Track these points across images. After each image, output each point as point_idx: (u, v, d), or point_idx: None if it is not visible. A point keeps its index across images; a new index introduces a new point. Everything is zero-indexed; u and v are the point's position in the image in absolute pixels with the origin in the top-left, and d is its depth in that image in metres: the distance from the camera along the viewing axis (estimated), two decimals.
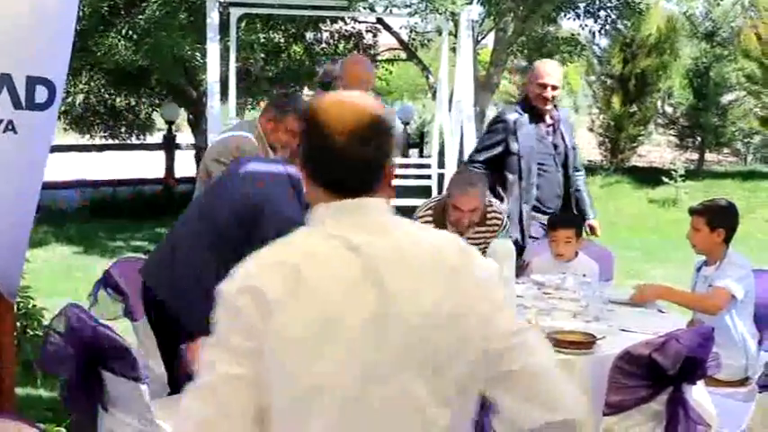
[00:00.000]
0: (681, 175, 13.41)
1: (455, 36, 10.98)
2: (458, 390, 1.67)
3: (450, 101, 10.59)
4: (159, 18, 10.70)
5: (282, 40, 12.72)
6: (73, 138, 14.93)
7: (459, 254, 1.73)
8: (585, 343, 3.11)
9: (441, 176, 10.10)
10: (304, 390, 1.60)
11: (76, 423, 3.43)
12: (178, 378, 3.01)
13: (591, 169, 16.70)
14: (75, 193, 13.33)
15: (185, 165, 13.96)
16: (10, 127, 3.19)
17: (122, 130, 14.10)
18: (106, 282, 4.05)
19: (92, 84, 13.46)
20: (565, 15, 12.06)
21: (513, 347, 1.70)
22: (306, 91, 16.83)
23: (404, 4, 10.08)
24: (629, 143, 16.80)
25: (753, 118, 16.77)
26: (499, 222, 4.61)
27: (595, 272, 4.40)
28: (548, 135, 5.21)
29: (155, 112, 14.46)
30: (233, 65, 10.45)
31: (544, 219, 5.04)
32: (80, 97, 13.43)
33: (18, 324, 4.53)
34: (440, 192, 9.30)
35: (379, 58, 15.24)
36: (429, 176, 10.86)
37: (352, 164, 1.70)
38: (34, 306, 4.75)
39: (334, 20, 13.08)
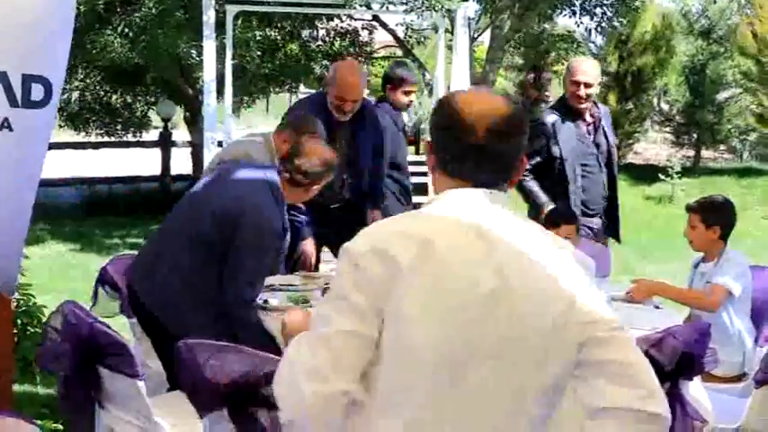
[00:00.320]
0: (677, 173, 13.42)
1: (451, 33, 10.99)
2: (554, 385, 1.75)
3: None
4: (155, 15, 10.69)
5: (278, 38, 12.70)
6: (69, 135, 14.89)
7: (560, 251, 1.83)
8: None
9: None
10: (413, 359, 1.68)
11: (74, 420, 3.43)
12: (177, 374, 3.01)
13: None
14: (71, 191, 13.31)
15: (181, 162, 13.95)
16: (6, 125, 3.20)
17: (118, 127, 14.06)
18: (103, 279, 4.07)
19: (87, 81, 13.44)
20: (561, 13, 12.07)
21: (615, 338, 1.79)
22: (302, 88, 16.81)
23: (400, 1, 10.07)
24: (626, 140, 16.80)
25: (749, 115, 16.78)
26: None
27: (591, 268, 4.40)
28: (588, 134, 5.06)
29: (151, 110, 14.44)
30: (229, 62, 10.44)
31: (590, 222, 4.94)
32: (76, 94, 13.40)
33: (18, 322, 4.53)
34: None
35: (375, 55, 15.24)
36: (425, 174, 10.86)
37: (492, 157, 1.81)
38: (34, 304, 4.75)
39: (330, 17, 13.07)
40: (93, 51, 11.07)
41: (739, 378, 3.85)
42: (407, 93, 5.49)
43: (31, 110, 3.24)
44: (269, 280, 4.15)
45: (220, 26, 10.27)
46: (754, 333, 3.99)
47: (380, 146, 5.07)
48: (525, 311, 1.72)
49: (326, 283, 4.04)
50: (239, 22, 11.38)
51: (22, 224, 3.45)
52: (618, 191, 5.19)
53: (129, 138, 14.37)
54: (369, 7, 12.73)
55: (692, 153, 17.15)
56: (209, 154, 9.63)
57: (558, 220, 4.49)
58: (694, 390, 3.05)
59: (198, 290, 3.47)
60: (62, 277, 8.00)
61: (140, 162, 14.34)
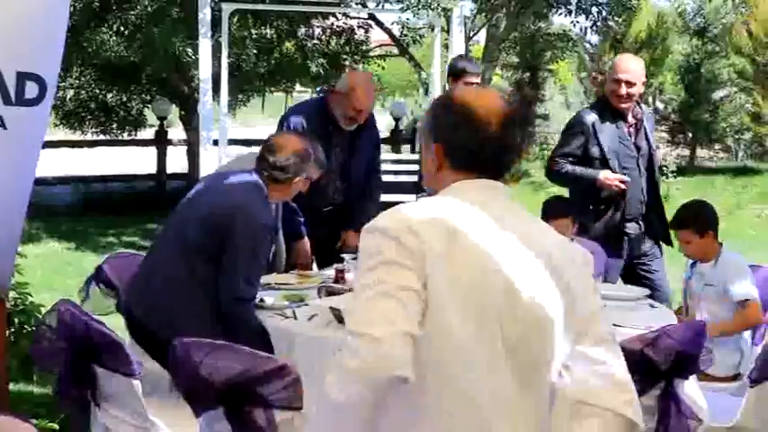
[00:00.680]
0: (672, 171, 13.44)
1: (447, 32, 10.98)
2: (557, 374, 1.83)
3: None
4: (151, 14, 10.68)
5: (274, 36, 12.69)
6: (64, 133, 14.86)
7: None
8: None
9: None
10: (453, 347, 1.73)
11: (69, 419, 3.43)
12: (172, 374, 3.00)
13: None
14: (66, 189, 13.29)
15: (177, 161, 13.93)
16: (0, 123, 3.19)
17: (114, 125, 14.03)
18: (98, 277, 4.06)
19: (83, 79, 13.41)
20: (556, 12, 12.06)
21: (607, 340, 1.88)
22: (297, 87, 16.79)
23: None
24: None
25: (744, 114, 16.81)
26: None
27: (591, 264, 4.38)
28: (630, 136, 4.81)
29: (146, 108, 14.41)
30: (225, 61, 10.42)
31: (626, 227, 4.75)
32: (71, 93, 13.37)
33: (15, 320, 4.52)
34: None
35: (371, 53, 15.22)
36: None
37: (507, 148, 1.89)
38: (32, 303, 4.74)
39: (325, 16, 13.06)
40: (89, 49, 11.04)
41: (735, 377, 3.86)
42: (468, 84, 5.34)
43: (25, 108, 3.24)
44: (265, 279, 4.15)
45: (216, 24, 10.26)
46: (750, 332, 4.00)
47: (375, 160, 4.96)
48: (538, 304, 1.78)
49: (322, 282, 4.04)
50: (235, 20, 11.37)
51: (16, 223, 3.45)
52: (661, 197, 4.94)
53: (125, 136, 14.34)
54: (365, 6, 12.74)
55: (687, 152, 17.17)
56: (205, 152, 9.62)
57: (549, 212, 4.39)
58: (689, 389, 3.06)
59: (192, 299, 3.47)
60: (57, 276, 7.99)
61: (136, 160, 14.32)
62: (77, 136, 14.23)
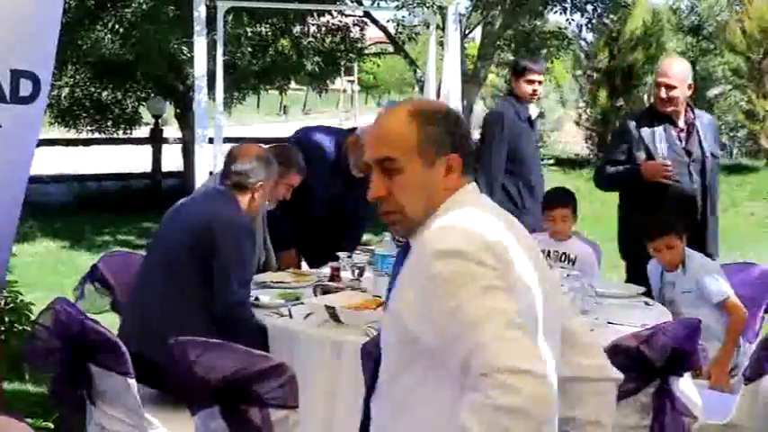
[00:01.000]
0: None
1: (442, 30, 10.97)
2: None
3: (438, 95, 10.59)
4: (146, 11, 10.64)
5: (269, 34, 12.67)
6: (59, 132, 14.83)
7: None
8: None
9: None
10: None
11: (65, 418, 3.42)
12: (168, 372, 3.00)
13: (578, 163, 16.76)
14: (61, 188, 13.27)
15: (172, 159, 13.91)
16: None
17: (109, 123, 13.99)
18: (93, 276, 4.06)
19: (78, 77, 13.37)
20: (552, 9, 12.07)
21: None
22: (293, 85, 16.78)
23: None
24: None
25: (738, 112, 16.85)
26: None
27: (591, 259, 4.38)
28: (679, 140, 4.70)
29: (141, 106, 14.38)
30: (220, 58, 10.37)
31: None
32: (66, 91, 13.34)
33: (6, 319, 4.51)
34: None
35: (366, 51, 15.21)
36: None
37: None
38: (22, 301, 4.73)
39: (321, 13, 13.03)
40: (84, 47, 11.01)
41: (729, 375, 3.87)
42: (530, 82, 5.38)
43: (19, 105, 3.24)
44: (260, 277, 4.15)
45: (211, 22, 10.22)
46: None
47: (367, 210, 4.86)
48: (558, 299, 1.98)
49: (318, 280, 4.04)
50: (230, 17, 11.34)
51: (10, 221, 3.44)
52: (716, 204, 4.77)
53: (120, 134, 14.32)
54: (360, 3, 12.72)
55: None
56: (200, 150, 9.60)
57: (551, 202, 4.42)
58: (684, 386, 3.06)
59: (187, 319, 3.44)
60: (52, 274, 7.98)
61: (131, 159, 14.29)
62: (72, 134, 14.20)
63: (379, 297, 3.56)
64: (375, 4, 11.88)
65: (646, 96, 17.49)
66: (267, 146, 4.20)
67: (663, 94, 4.64)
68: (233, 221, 3.51)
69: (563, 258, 4.34)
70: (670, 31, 17.31)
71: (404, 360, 1.86)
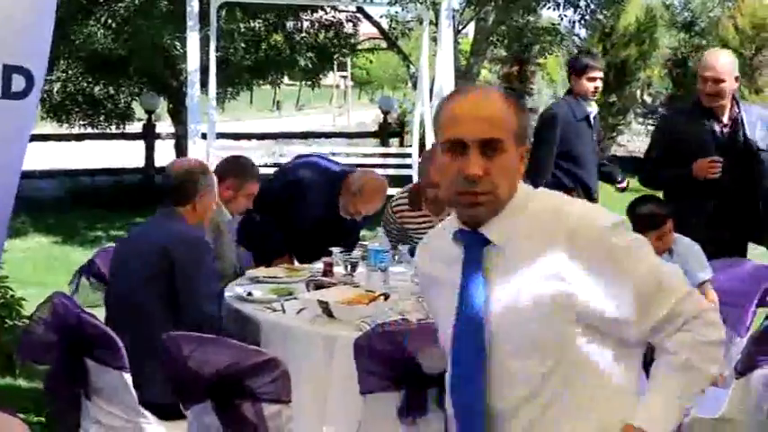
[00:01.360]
0: None
1: (436, 25, 10.97)
2: None
3: (431, 90, 10.58)
4: (139, 6, 10.62)
5: (262, 29, 12.65)
6: (51, 127, 14.79)
7: None
8: None
9: None
10: None
11: (58, 411, 3.42)
12: (161, 367, 3.00)
13: None
14: (53, 183, 13.23)
15: (165, 154, 13.88)
16: None
17: (101, 119, 13.93)
18: (89, 269, 4.06)
19: (70, 72, 13.33)
20: (545, 5, 12.07)
21: None
22: (286, 80, 16.75)
23: None
24: (609, 133, 16.86)
25: None
26: None
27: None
28: (722, 135, 4.58)
29: (134, 102, 14.34)
30: (213, 54, 10.38)
31: (718, 233, 4.46)
32: (58, 85, 13.29)
33: None
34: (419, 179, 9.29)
35: (360, 47, 15.20)
36: (410, 166, 10.86)
37: None
38: (12, 296, 4.72)
39: (314, 9, 13.02)
40: (76, 42, 10.98)
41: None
42: (592, 79, 5.34)
43: (12, 101, 3.22)
44: (253, 272, 4.15)
45: (204, 17, 10.21)
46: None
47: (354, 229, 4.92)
48: None
49: (311, 275, 4.04)
50: (223, 13, 11.32)
51: (3, 217, 3.43)
52: (758, 202, 4.61)
53: (113, 130, 14.27)
54: None
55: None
56: (193, 145, 9.59)
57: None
58: None
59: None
60: (45, 270, 7.96)
61: (124, 154, 14.26)
62: (64, 129, 14.16)
63: (372, 292, 3.57)
64: (368, 0, 11.87)
65: (639, 92, 17.53)
66: (223, 159, 4.40)
67: (709, 88, 4.52)
68: (185, 237, 3.46)
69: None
70: (663, 27, 17.31)
71: (571, 348, 1.90)
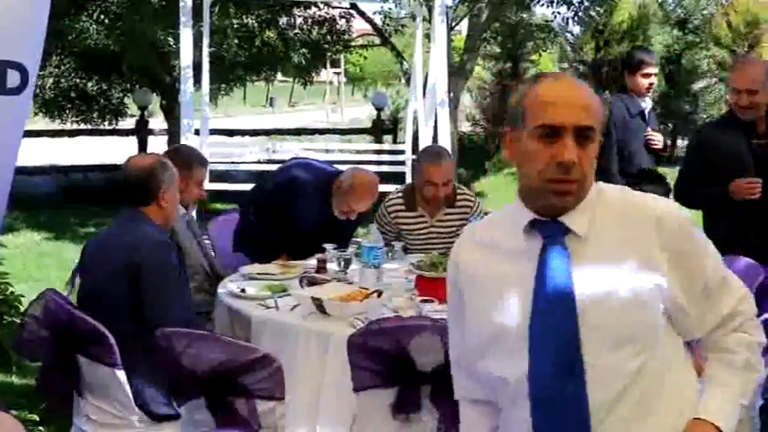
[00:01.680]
0: None
1: (429, 22, 10.97)
2: None
3: (425, 87, 10.59)
4: (132, 2, 10.60)
5: (256, 25, 12.63)
6: (44, 123, 14.74)
7: None
8: None
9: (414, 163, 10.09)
10: None
11: (51, 408, 3.42)
12: (155, 363, 3.00)
13: None
14: (46, 179, 13.19)
15: (158, 150, 13.84)
16: None
17: (94, 115, 13.90)
18: None
19: (63, 68, 13.29)
20: (538, 2, 12.10)
21: None
22: (279, 76, 16.74)
23: None
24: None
25: (724, 105, 16.91)
26: (470, 205, 4.63)
27: None
28: (758, 147, 4.37)
29: (127, 97, 14.31)
30: (206, 50, 10.37)
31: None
32: (50, 81, 13.26)
33: None
34: (413, 178, 9.30)
35: (353, 43, 15.19)
36: (403, 162, 10.87)
37: None
38: (12, 293, 4.71)
39: (307, 5, 13.02)
40: (69, 38, 10.95)
41: None
42: (647, 75, 5.32)
43: (6, 97, 3.22)
44: (246, 269, 4.15)
45: (197, 13, 10.19)
46: None
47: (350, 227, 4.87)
48: None
49: (304, 272, 4.05)
50: (216, 9, 11.31)
51: None
52: None
53: (106, 125, 14.24)
54: None
55: (667, 142, 17.26)
56: (186, 142, 9.58)
57: None
58: None
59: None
60: (37, 266, 7.95)
61: (116, 150, 14.20)
62: (57, 125, 14.12)
63: (366, 289, 3.57)
64: None
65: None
66: (163, 152, 4.22)
67: (744, 101, 4.32)
68: (146, 244, 3.31)
69: None
70: (656, 24, 17.33)
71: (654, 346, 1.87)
